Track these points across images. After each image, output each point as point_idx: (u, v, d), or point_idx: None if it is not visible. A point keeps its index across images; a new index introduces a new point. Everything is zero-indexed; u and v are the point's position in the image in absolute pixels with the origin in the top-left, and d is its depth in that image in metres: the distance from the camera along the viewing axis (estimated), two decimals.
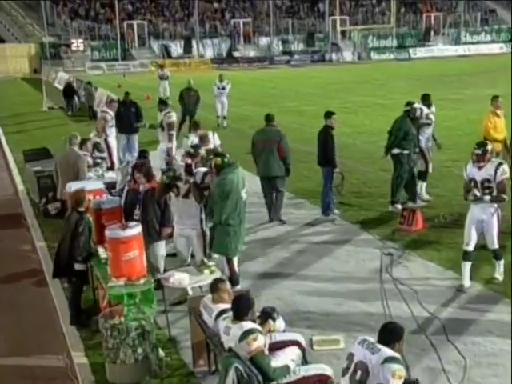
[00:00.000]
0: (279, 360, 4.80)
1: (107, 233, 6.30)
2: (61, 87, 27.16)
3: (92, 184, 8.45)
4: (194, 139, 10.16)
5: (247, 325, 4.66)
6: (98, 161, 11.05)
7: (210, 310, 5.28)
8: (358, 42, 55.47)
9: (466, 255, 7.34)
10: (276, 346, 4.96)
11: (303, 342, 5.21)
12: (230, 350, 4.71)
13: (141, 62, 47.11)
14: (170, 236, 7.50)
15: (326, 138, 9.95)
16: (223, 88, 19.68)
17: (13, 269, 8.66)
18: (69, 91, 25.52)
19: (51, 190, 10.85)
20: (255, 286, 7.37)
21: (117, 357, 5.60)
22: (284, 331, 5.26)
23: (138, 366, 5.63)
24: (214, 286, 5.41)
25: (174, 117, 13.18)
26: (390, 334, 4.31)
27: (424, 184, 10.97)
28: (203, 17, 53.52)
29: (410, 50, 53.71)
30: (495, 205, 7.17)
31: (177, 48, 51.07)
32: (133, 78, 37.65)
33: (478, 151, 7.15)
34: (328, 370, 4.92)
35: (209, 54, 51.72)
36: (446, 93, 23.79)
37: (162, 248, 7.22)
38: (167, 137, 12.84)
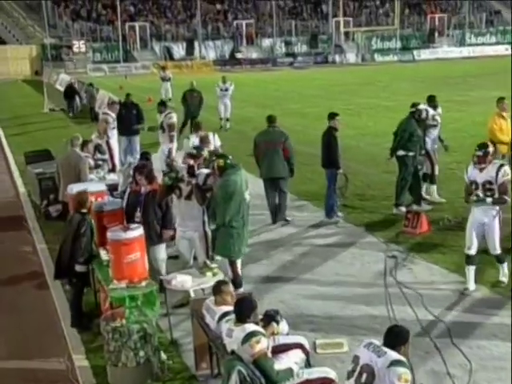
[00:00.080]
0: (282, 363, 4.80)
1: (109, 235, 6.31)
2: (62, 89, 27.20)
3: (94, 186, 8.46)
4: (194, 140, 10.19)
5: (250, 327, 4.66)
6: (100, 163, 11.07)
7: (212, 313, 5.28)
8: (362, 44, 55.48)
9: (469, 259, 7.33)
10: (279, 349, 4.96)
11: (307, 345, 5.21)
12: (233, 352, 4.71)
13: (143, 64, 47.21)
14: (172, 238, 7.50)
15: (329, 140, 9.96)
16: (226, 89, 19.71)
17: (14, 271, 8.68)
18: (70, 92, 25.56)
19: (52, 192, 10.87)
20: (258, 289, 7.36)
21: (118, 360, 5.60)
22: (287, 334, 5.26)
23: (139, 369, 5.63)
24: (217, 288, 5.41)
25: (175, 118, 13.21)
26: (395, 337, 4.31)
27: (434, 186, 10.95)
28: (205, 18, 53.60)
29: (414, 52, 53.71)
30: (497, 207, 7.14)
31: (179, 50, 51.16)
32: (134, 80, 37.71)
33: (479, 153, 7.13)
34: (332, 374, 4.91)
35: (211, 55, 51.78)
36: (451, 94, 23.77)
37: (162, 251, 7.22)
38: (168, 138, 12.87)
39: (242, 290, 6.76)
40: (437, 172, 10.97)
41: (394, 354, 4.13)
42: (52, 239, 9.54)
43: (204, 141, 9.50)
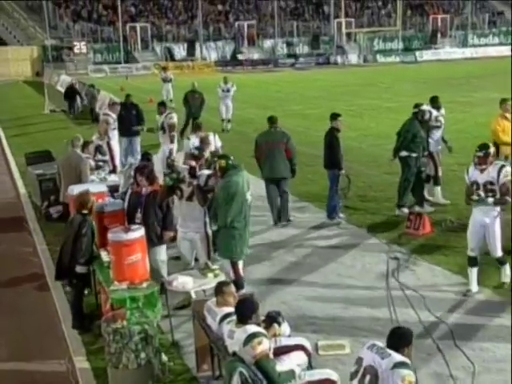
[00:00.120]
0: (284, 364, 4.80)
1: (110, 236, 6.32)
2: (63, 90, 27.23)
3: (95, 187, 8.46)
4: (194, 141, 10.21)
5: (251, 328, 4.66)
6: (100, 164, 11.09)
7: (213, 314, 5.28)
8: (364, 45, 55.48)
9: (471, 261, 7.32)
10: (281, 351, 4.95)
11: (309, 347, 5.20)
12: (235, 354, 4.71)
13: (144, 65, 47.24)
14: (173, 239, 7.50)
15: (331, 141, 9.97)
16: (228, 90, 19.71)
17: (14, 273, 8.68)
18: (71, 93, 25.59)
19: (53, 193, 10.88)
20: (260, 291, 7.36)
21: (119, 361, 5.59)
22: (289, 336, 5.26)
23: (140, 371, 5.62)
24: (219, 289, 5.40)
25: (175, 118, 13.22)
26: (399, 338, 4.31)
27: (438, 188, 10.93)
28: (207, 19, 53.63)
29: (417, 53, 53.68)
30: (498, 208, 7.12)
31: (180, 51, 51.20)
32: (135, 81, 37.75)
33: (480, 153, 7.11)
34: (333, 375, 4.91)
35: (212, 56, 51.80)
36: (455, 95, 23.77)
37: (162, 252, 7.20)
38: (169, 138, 12.87)
39: (243, 291, 6.75)
40: (440, 173, 10.97)
41: (397, 356, 4.13)
42: (53, 240, 9.55)
43: (204, 141, 9.51)
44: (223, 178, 6.85)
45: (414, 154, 10.17)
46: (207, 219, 7.18)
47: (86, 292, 7.31)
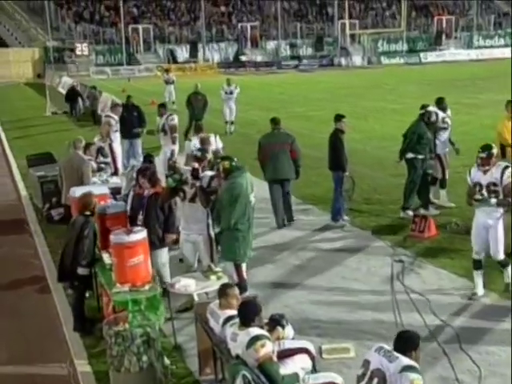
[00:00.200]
0: (288, 368, 4.79)
1: (112, 238, 6.31)
2: (65, 92, 27.29)
3: (97, 189, 8.47)
4: (196, 142, 10.23)
5: (254, 331, 4.65)
6: (102, 166, 11.10)
7: (216, 317, 5.27)
8: (368, 46, 55.45)
9: (477, 264, 7.30)
10: (285, 354, 4.94)
11: (313, 350, 5.18)
12: (238, 357, 4.70)
13: (146, 67, 47.28)
14: (176, 242, 7.49)
15: (335, 142, 9.97)
16: (231, 92, 19.71)
17: (15, 275, 8.69)
18: (72, 95, 25.63)
19: (55, 195, 10.89)
20: (263, 294, 7.33)
21: (121, 365, 5.57)
22: (293, 339, 5.25)
23: (142, 375, 5.61)
24: (222, 292, 5.39)
25: (176, 119, 13.23)
26: (405, 342, 4.30)
27: (444, 191, 10.90)
28: (210, 21, 53.68)
29: (421, 55, 53.65)
30: (501, 210, 7.11)
31: (183, 52, 51.23)
32: (138, 83, 37.82)
33: (483, 155, 7.08)
34: (338, 379, 4.90)
35: (215, 58, 51.84)
36: (460, 97, 23.74)
37: (163, 255, 7.19)
38: (170, 140, 12.88)
39: (247, 293, 6.75)
40: (447, 176, 10.93)
41: (405, 360, 4.13)
42: (54, 243, 9.57)
43: (204, 142, 9.56)
44: (227, 180, 6.85)
45: (420, 156, 10.15)
46: (210, 221, 7.18)
47: (87, 295, 7.32)
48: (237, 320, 4.93)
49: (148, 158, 9.54)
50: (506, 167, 7.09)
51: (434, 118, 10.33)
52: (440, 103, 10.95)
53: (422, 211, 10.16)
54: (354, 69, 48.61)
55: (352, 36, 55.27)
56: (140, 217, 7.07)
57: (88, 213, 6.94)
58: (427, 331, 6.47)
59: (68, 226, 7.29)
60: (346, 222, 10.20)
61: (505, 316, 6.86)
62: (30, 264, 9.08)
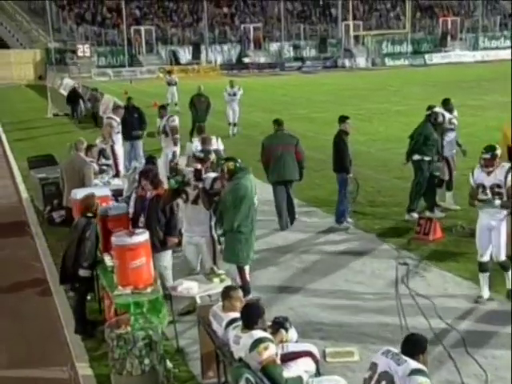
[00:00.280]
0: (291, 371, 4.78)
1: (114, 240, 6.31)
2: (66, 94, 27.35)
3: (98, 191, 8.47)
4: (197, 144, 10.26)
5: (257, 333, 4.65)
6: (104, 168, 11.10)
7: (219, 319, 5.26)
8: (372, 48, 55.49)
9: (482, 266, 7.28)
10: (288, 357, 4.93)
11: (316, 353, 5.18)
12: (241, 360, 4.69)
13: (148, 69, 47.37)
14: (179, 244, 7.49)
15: (339, 144, 9.97)
16: (234, 94, 19.71)
17: (16, 277, 8.70)
18: (73, 97, 25.68)
19: (56, 197, 10.90)
20: (266, 296, 7.34)
21: (123, 368, 5.57)
22: (296, 342, 5.24)
23: (144, 378, 5.60)
24: (226, 294, 5.38)
25: (177, 120, 13.23)
26: (413, 345, 4.29)
27: (450, 193, 10.88)
28: (212, 22, 53.79)
29: (426, 56, 53.64)
30: (505, 211, 7.09)
31: (185, 54, 51.32)
32: (140, 85, 37.89)
33: (487, 156, 7.06)
34: (342, 382, 4.90)
35: (218, 60, 51.90)
36: (465, 99, 23.72)
37: (166, 258, 7.17)
38: (172, 141, 12.88)
39: (250, 296, 6.75)
40: (454, 178, 10.90)
41: (414, 363, 4.13)
42: (55, 245, 9.58)
43: (206, 142, 9.58)
44: (231, 181, 6.85)
45: (426, 158, 10.13)
46: (213, 223, 7.17)
47: (89, 297, 7.32)
48: (240, 323, 4.92)
49: (150, 160, 9.56)
50: (511, 169, 7.07)
51: (440, 118, 10.31)
52: (446, 104, 10.94)
53: (427, 213, 10.15)
54: (357, 70, 48.61)
55: (356, 37, 55.34)
56: (142, 219, 7.06)
57: (90, 214, 6.95)
58: (432, 335, 6.45)
59: (70, 229, 7.30)
60: (350, 225, 10.19)
61: (510, 318, 6.81)
62: (31, 266, 9.09)
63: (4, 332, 7.14)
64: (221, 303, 5.40)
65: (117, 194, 9.19)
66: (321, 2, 59.35)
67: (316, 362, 5.12)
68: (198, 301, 6.57)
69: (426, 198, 10.49)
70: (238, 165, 6.90)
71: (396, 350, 4.29)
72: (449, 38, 57.12)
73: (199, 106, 18.45)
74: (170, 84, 26.54)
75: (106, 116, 15.50)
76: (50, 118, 25.93)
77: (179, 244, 7.50)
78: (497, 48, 57.32)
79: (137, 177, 7.91)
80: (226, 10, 56.72)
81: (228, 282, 6.53)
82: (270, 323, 5.09)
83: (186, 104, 19.22)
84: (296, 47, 54.69)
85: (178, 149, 12.99)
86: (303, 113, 23.86)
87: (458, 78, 36.65)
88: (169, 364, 5.94)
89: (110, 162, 11.54)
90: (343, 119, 10.07)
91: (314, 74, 46.11)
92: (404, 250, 9.06)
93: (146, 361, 5.56)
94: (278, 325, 5.07)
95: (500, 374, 5.80)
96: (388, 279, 8.05)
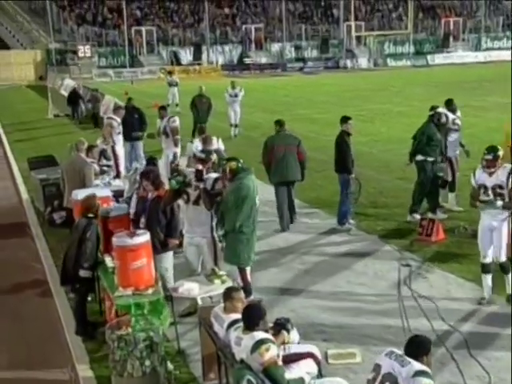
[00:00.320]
0: (293, 372, 4.78)
1: (114, 240, 6.30)
2: (67, 94, 27.37)
3: (99, 191, 8.47)
4: (198, 144, 10.28)
5: (259, 335, 4.64)
6: (105, 169, 11.09)
7: (221, 321, 5.25)
8: (374, 49, 55.49)
9: (485, 268, 7.28)
10: (290, 359, 4.93)
11: (318, 355, 5.17)
12: (242, 361, 4.69)
13: (149, 69, 47.40)
14: (180, 245, 7.48)
15: (341, 144, 9.97)
16: (236, 95, 19.71)
17: (16, 279, 8.70)
18: (74, 97, 25.71)
19: (56, 198, 10.89)
20: (268, 298, 7.34)
21: (124, 369, 5.56)
22: (298, 343, 5.23)
23: (145, 380, 5.59)
24: (228, 295, 5.37)
25: (178, 121, 13.21)
26: (417, 347, 4.29)
27: (453, 194, 10.86)
28: (214, 22, 53.81)
29: (428, 57, 53.63)
30: (506, 212, 7.08)
31: (186, 55, 51.36)
32: (141, 85, 37.92)
33: (489, 156, 7.05)
34: None
35: (219, 60, 51.92)
36: (468, 99, 23.70)
37: (167, 260, 7.15)
38: (173, 142, 12.86)
39: (252, 297, 6.75)
40: (456, 179, 10.89)
41: (418, 365, 4.13)
42: (56, 246, 9.59)
43: (206, 142, 9.59)
44: (233, 181, 6.85)
45: (430, 158, 10.12)
46: (214, 224, 7.16)
47: (89, 298, 7.32)
48: (241, 324, 4.92)
49: (151, 161, 9.56)
50: None
51: (443, 119, 10.30)
52: (449, 105, 10.94)
53: (429, 215, 10.13)
54: (359, 71, 48.61)
55: (358, 38, 55.33)
56: (142, 220, 7.06)
57: (91, 215, 6.95)
58: (435, 336, 6.43)
59: (71, 230, 7.30)
60: (352, 226, 10.19)
61: None
62: (31, 268, 9.09)
63: (4, 333, 7.14)
64: (222, 304, 5.39)
65: (117, 194, 9.18)
66: (322, 3, 59.34)
67: (318, 363, 5.11)
68: (199, 302, 6.56)
69: (428, 199, 10.47)
70: (239, 165, 6.90)
71: (400, 351, 4.28)
72: (451, 39, 57.06)
73: (200, 106, 18.45)
74: (170, 85, 26.56)
75: (106, 116, 15.49)
76: (51, 119, 25.96)
77: (180, 245, 7.49)
78: (499, 49, 57.18)
79: (138, 178, 7.90)
80: (227, 10, 56.76)
81: (229, 283, 6.52)
82: (271, 324, 5.09)
83: (187, 105, 19.24)
84: (297, 48, 54.70)
85: (178, 150, 12.98)
86: (305, 113, 23.86)
87: (460, 78, 36.64)
88: (170, 366, 5.93)
89: (111, 162, 11.53)
90: (345, 120, 10.06)
91: (315, 75, 46.11)
92: (406, 251, 9.06)
93: (147, 362, 5.56)
94: (280, 326, 5.07)
95: (503, 376, 5.79)
96: (390, 281, 8.04)
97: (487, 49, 57.39)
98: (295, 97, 30.62)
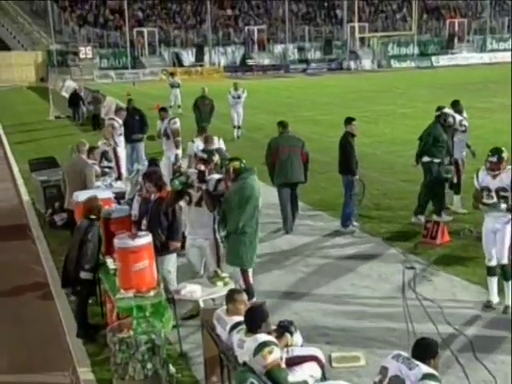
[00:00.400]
0: (297, 375, 4.77)
1: (116, 242, 6.30)
2: (68, 96, 27.43)
3: (101, 193, 8.47)
4: (199, 144, 10.28)
5: (262, 337, 4.63)
6: (106, 170, 11.09)
7: (223, 323, 5.24)
8: (378, 50, 55.51)
9: (490, 270, 7.26)
10: (293, 361, 4.92)
11: (322, 358, 5.16)
12: (245, 364, 4.68)
13: (151, 71, 47.48)
14: (182, 247, 7.47)
15: (345, 146, 9.96)
16: (238, 97, 19.73)
17: (17, 281, 8.70)
18: (75, 99, 25.75)
19: (57, 200, 10.91)
20: (271, 301, 7.29)
21: (125, 372, 5.56)
22: (301, 346, 5.22)
23: (147, 383, 5.59)
24: (230, 297, 5.36)
25: (179, 123, 13.20)
26: (424, 350, 4.27)
27: (458, 197, 10.84)
28: (216, 24, 53.87)
29: (433, 58, 53.65)
30: (509, 215, 7.05)
31: (188, 56, 51.42)
32: (143, 87, 37.95)
33: (493, 158, 7.01)
34: None
35: (222, 62, 51.97)
36: (473, 101, 23.68)
37: (170, 262, 7.14)
38: (174, 144, 12.86)
39: (254, 299, 6.74)
40: (462, 181, 10.87)
41: (425, 368, 4.11)
42: (57, 248, 9.60)
43: (208, 141, 9.61)
44: (236, 181, 6.85)
45: (436, 160, 10.09)
46: (216, 225, 7.16)
47: (90, 301, 7.31)
48: (244, 326, 4.91)
49: (153, 162, 9.56)
50: None
51: (450, 119, 10.27)
52: (455, 106, 10.92)
53: (434, 217, 10.11)
54: (363, 73, 48.64)
55: (361, 39, 55.33)
56: (144, 221, 7.05)
57: (93, 217, 6.94)
58: (440, 340, 6.41)
59: (73, 231, 7.30)
60: (355, 228, 10.17)
61: None
62: (32, 270, 9.09)
63: (5, 336, 7.14)
64: (225, 307, 5.39)
65: (119, 196, 9.19)
66: (326, 4, 59.38)
67: (321, 366, 5.10)
68: (202, 304, 6.57)
69: (434, 201, 10.43)
70: (242, 165, 6.91)
71: (406, 354, 4.27)
72: (456, 40, 57.08)
73: (203, 108, 18.48)
74: (173, 86, 26.60)
75: (108, 117, 15.50)
76: (52, 121, 26.01)
77: (182, 247, 7.48)
78: (505, 50, 57.09)
79: (140, 179, 7.89)
80: (229, 11, 56.82)
81: (232, 286, 6.51)
82: (274, 327, 5.08)
83: (189, 106, 19.26)
84: (301, 49, 54.75)
85: (179, 152, 12.96)
86: (308, 115, 23.87)
87: (465, 80, 36.61)
88: (172, 368, 5.93)
89: (112, 164, 11.53)
90: (349, 121, 10.06)
91: (318, 76, 46.14)
92: (411, 253, 9.04)
93: (149, 365, 5.55)
94: (283, 329, 5.06)
95: (509, 380, 5.76)
96: (395, 283, 8.03)
97: (492, 50, 57.36)
98: (298, 98, 30.63)
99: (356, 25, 53.29)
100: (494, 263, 7.21)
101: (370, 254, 9.16)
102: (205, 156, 7.45)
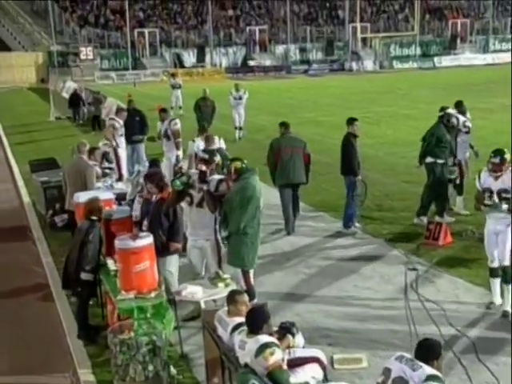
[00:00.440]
0: (298, 377, 4.77)
1: (117, 243, 6.31)
2: (68, 97, 27.46)
3: (102, 194, 8.47)
4: (199, 143, 10.30)
5: (263, 338, 4.63)
6: (107, 171, 11.10)
7: (225, 324, 5.24)
8: (380, 51, 55.49)
9: (493, 272, 7.26)
10: (295, 363, 4.92)
11: (324, 359, 5.16)
12: (246, 365, 4.68)
13: (152, 72, 47.50)
14: (184, 249, 7.47)
15: (347, 146, 9.97)
16: (240, 98, 19.73)
17: (17, 283, 8.71)
18: (75, 100, 25.78)
19: (58, 201, 10.93)
20: (272, 302, 7.29)
21: (126, 374, 5.56)
22: (303, 347, 5.22)
23: None
24: (231, 298, 5.35)
25: (179, 124, 13.20)
26: (427, 351, 4.27)
27: (461, 198, 10.83)
28: (217, 24, 53.90)
29: (435, 59, 53.61)
30: (511, 217, 7.05)
31: (190, 57, 51.46)
32: (143, 88, 37.96)
33: (496, 160, 7.01)
34: None
35: (223, 62, 52.00)
36: (475, 102, 23.64)
37: (172, 263, 7.11)
38: (174, 145, 12.86)
39: (255, 301, 6.73)
40: (465, 182, 10.86)
41: (429, 369, 4.12)
42: (57, 250, 9.61)
43: (209, 140, 9.64)
44: (238, 181, 6.85)
45: (439, 161, 10.09)
46: (218, 226, 7.16)
47: (91, 302, 7.31)
48: (245, 327, 4.91)
49: (154, 163, 9.56)
50: None
51: (454, 120, 10.27)
52: (459, 106, 10.93)
53: (436, 218, 10.10)
54: (365, 73, 48.64)
55: (363, 40, 55.35)
56: (145, 222, 7.05)
57: (94, 218, 6.95)
58: (443, 341, 6.39)
59: (74, 233, 7.30)
60: (357, 229, 10.17)
61: None
62: (32, 271, 9.10)
63: (5, 338, 7.14)
64: (226, 308, 5.38)
65: (120, 197, 9.19)
66: (328, 4, 59.41)
67: (323, 368, 5.10)
68: (203, 305, 6.56)
69: (436, 202, 10.42)
70: (244, 165, 6.91)
71: (410, 355, 4.27)
72: (458, 41, 57.04)
73: (205, 109, 18.49)
74: (174, 87, 26.63)
75: (108, 118, 15.50)
76: (52, 122, 26.03)
77: (184, 248, 7.48)
78: (508, 50, 57.02)
79: (141, 180, 7.89)
80: (230, 12, 56.85)
81: (233, 287, 6.51)
82: (276, 328, 5.08)
83: (191, 107, 19.27)
84: (302, 50, 54.77)
85: (180, 153, 12.96)
86: (310, 116, 23.87)
87: (468, 80, 36.61)
88: (173, 370, 5.93)
89: (113, 165, 11.53)
90: (351, 121, 10.06)
91: (320, 77, 46.15)
92: (413, 255, 9.04)
93: (150, 367, 5.55)
94: (285, 330, 5.06)
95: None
96: (397, 285, 8.03)
97: (495, 51, 57.32)
98: (300, 99, 30.64)
99: (358, 25, 53.42)
100: (496, 265, 7.21)
101: (372, 256, 9.16)
102: (206, 156, 7.45)
